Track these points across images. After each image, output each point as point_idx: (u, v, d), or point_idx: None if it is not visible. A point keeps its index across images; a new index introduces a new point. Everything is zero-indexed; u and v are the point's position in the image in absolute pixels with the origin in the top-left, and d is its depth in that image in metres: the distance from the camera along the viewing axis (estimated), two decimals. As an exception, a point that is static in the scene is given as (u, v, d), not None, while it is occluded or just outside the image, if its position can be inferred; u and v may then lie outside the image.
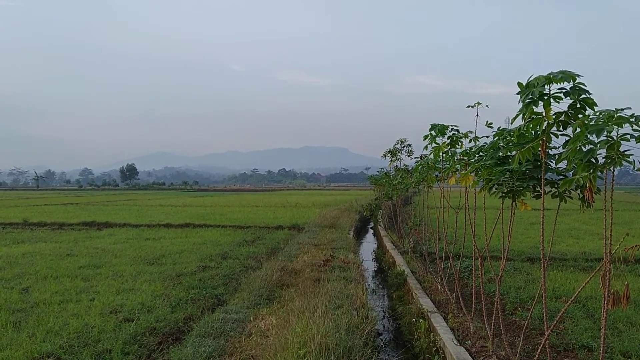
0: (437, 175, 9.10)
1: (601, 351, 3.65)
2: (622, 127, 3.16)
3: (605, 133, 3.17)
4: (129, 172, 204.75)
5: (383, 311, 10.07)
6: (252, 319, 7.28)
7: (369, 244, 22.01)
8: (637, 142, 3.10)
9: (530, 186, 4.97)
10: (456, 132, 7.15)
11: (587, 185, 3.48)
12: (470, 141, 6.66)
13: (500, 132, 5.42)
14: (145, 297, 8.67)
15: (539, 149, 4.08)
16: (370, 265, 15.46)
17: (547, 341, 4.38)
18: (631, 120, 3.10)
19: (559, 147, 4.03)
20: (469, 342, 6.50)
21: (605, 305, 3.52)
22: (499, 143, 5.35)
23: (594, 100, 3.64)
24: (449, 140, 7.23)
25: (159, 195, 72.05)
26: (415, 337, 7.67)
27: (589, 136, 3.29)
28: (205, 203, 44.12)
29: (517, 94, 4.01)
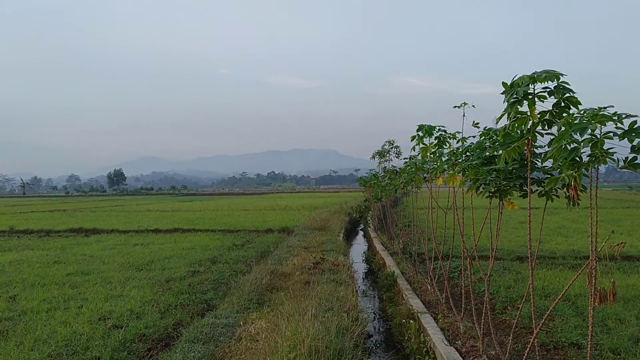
0: (425, 177, 9.12)
1: (589, 348, 3.67)
2: (605, 125, 3.18)
3: (589, 131, 3.19)
4: (117, 177, 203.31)
5: (373, 313, 10.07)
6: (241, 323, 7.24)
7: (359, 245, 22.01)
8: (620, 140, 3.13)
9: (517, 185, 5.00)
10: (443, 133, 7.17)
11: (572, 183, 3.50)
12: (457, 141, 6.69)
13: (487, 132, 5.45)
14: (134, 304, 8.59)
15: (525, 148, 4.10)
16: (360, 267, 15.45)
17: (537, 339, 4.39)
18: (614, 118, 3.12)
19: (544, 146, 4.06)
20: (459, 342, 6.51)
21: (592, 302, 3.54)
22: (486, 143, 5.38)
23: (578, 99, 3.66)
24: (437, 141, 7.25)
25: (147, 201, 71.55)
26: (406, 338, 7.67)
27: (573, 135, 3.30)
28: (194, 208, 43.87)
29: (502, 93, 4.02)
